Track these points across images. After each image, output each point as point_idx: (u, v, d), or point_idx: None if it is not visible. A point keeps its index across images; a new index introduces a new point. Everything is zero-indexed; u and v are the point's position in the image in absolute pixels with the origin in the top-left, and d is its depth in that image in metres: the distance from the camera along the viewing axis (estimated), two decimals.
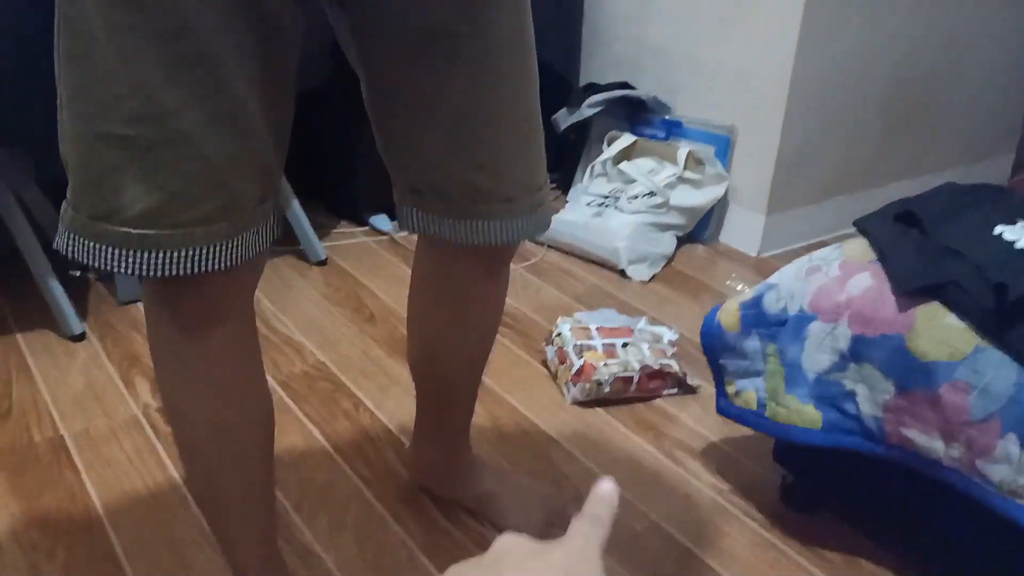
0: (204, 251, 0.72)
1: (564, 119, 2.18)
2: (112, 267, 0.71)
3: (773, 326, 1.13)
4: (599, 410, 1.42)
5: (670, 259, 1.96)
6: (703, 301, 1.79)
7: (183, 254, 0.71)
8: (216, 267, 0.73)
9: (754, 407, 1.15)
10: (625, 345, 1.46)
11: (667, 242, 1.95)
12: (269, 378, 1.47)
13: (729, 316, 1.18)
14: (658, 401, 1.45)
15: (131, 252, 0.71)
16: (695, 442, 1.36)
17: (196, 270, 0.72)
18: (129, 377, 1.47)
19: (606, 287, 1.84)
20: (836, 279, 1.08)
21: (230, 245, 0.74)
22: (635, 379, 1.41)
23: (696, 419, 1.41)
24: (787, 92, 1.88)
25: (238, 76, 0.70)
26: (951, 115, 2.25)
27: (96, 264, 0.72)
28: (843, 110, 2.00)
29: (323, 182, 2.08)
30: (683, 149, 1.99)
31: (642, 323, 1.54)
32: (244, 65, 0.71)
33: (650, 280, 1.87)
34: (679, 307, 1.77)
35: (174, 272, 0.71)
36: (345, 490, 1.22)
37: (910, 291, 1.00)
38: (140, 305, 1.67)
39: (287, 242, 1.89)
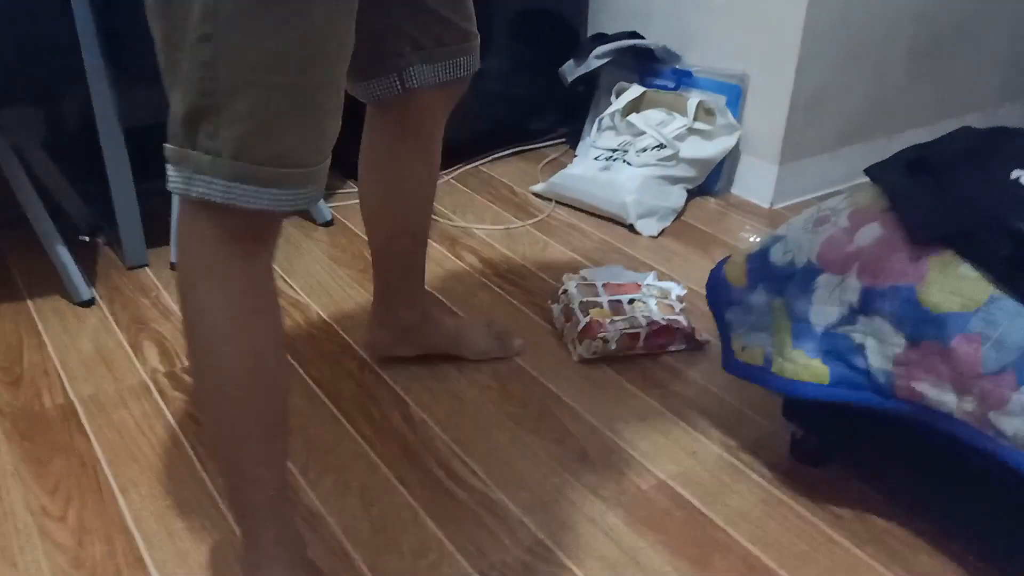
0: (315, 190, 0.82)
1: (571, 71, 2.13)
2: (244, 203, 0.77)
3: (780, 279, 1.10)
4: (605, 367, 1.41)
5: (680, 213, 1.92)
6: (714, 255, 1.76)
7: (302, 192, 0.80)
8: (314, 203, 0.83)
9: (760, 363, 1.12)
10: (632, 301, 1.44)
11: (677, 195, 1.91)
12: None
13: (735, 270, 1.15)
14: (666, 358, 1.43)
15: (267, 191, 0.78)
16: (703, 399, 1.34)
17: (306, 206, 0.81)
18: (137, 342, 1.47)
19: (615, 243, 1.81)
20: (845, 229, 1.04)
21: (322, 185, 0.84)
22: (642, 335, 1.39)
23: (704, 375, 1.39)
24: (801, 35, 1.81)
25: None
26: (977, 57, 2.17)
27: (221, 200, 0.77)
28: (863, 52, 1.93)
29: None
30: (693, 99, 1.94)
31: (650, 279, 1.51)
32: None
33: (660, 235, 1.84)
34: (689, 262, 1.74)
35: (291, 208, 0.80)
36: (350, 452, 1.22)
37: (923, 240, 0.97)
38: (148, 270, 1.68)
39: None
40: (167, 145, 0.81)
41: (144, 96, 1.92)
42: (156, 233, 1.72)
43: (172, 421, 1.28)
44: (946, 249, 0.95)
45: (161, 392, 1.35)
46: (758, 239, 1.81)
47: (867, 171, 1.09)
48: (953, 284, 0.93)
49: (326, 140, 0.82)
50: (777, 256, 1.10)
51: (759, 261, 1.11)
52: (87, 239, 1.76)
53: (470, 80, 1.19)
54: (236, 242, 0.82)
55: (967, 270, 0.93)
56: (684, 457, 1.22)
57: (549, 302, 1.54)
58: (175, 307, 1.56)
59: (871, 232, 1.02)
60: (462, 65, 1.15)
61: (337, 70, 0.80)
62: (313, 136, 0.80)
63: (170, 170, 0.80)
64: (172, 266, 1.68)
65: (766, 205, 1.98)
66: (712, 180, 2.01)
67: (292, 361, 1.42)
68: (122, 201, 1.64)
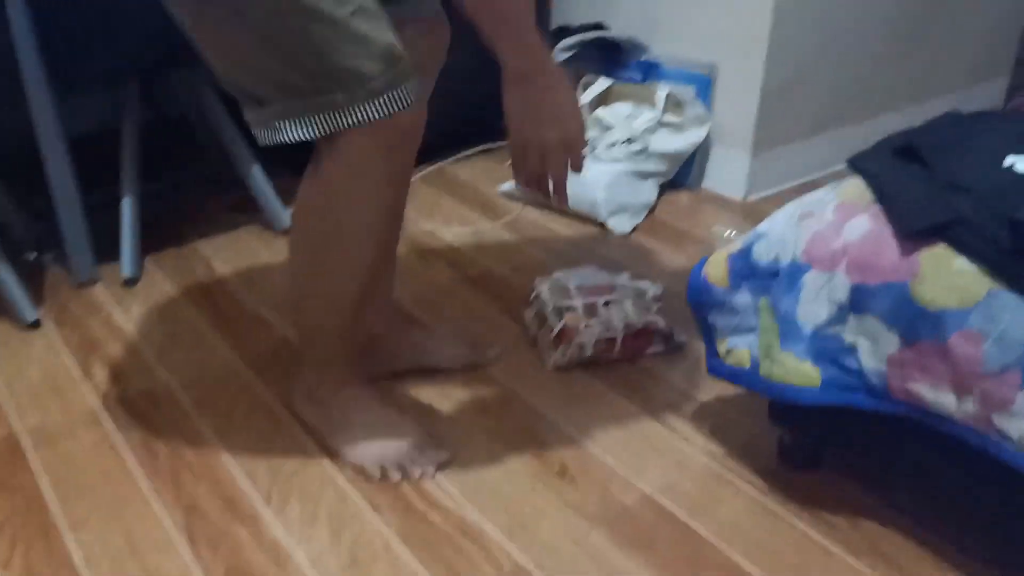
0: (413, 80, 0.94)
1: None
2: (364, 117, 0.91)
3: (764, 278, 1.05)
4: (583, 374, 1.35)
5: (652, 208, 1.86)
6: (689, 252, 1.71)
7: (407, 88, 0.93)
8: (416, 96, 0.95)
9: (747, 366, 1.07)
10: (607, 304, 1.38)
11: (648, 190, 1.86)
12: (236, 357, 1.39)
13: (716, 269, 1.09)
14: (645, 361, 1.38)
15: (378, 100, 0.91)
16: (686, 403, 1.29)
17: (412, 98, 0.94)
18: (88, 365, 1.38)
19: (586, 242, 1.75)
20: (831, 224, 0.99)
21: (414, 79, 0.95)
22: (619, 339, 1.34)
23: (686, 379, 1.34)
24: (770, 21, 1.76)
25: None
26: (950, 38, 2.14)
27: (370, 117, 0.92)
28: (834, 37, 1.89)
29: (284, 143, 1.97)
30: (661, 91, 1.89)
31: (623, 279, 1.46)
32: None
33: (632, 232, 1.78)
34: (664, 259, 1.69)
35: (407, 103, 0.93)
36: (318, 477, 1.15)
37: (913, 233, 0.91)
38: (99, 286, 1.58)
39: (250, 210, 1.79)
40: (262, 110, 0.94)
41: (85, 105, 1.82)
42: (105, 247, 1.62)
43: (125, 452, 1.20)
44: (939, 242, 0.90)
45: (114, 420, 1.26)
46: (733, 233, 1.77)
47: (850, 162, 1.04)
48: (948, 279, 0.88)
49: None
50: (761, 254, 1.04)
51: (742, 260, 1.06)
52: (33, 257, 1.67)
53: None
54: (381, 145, 0.95)
55: (963, 263, 0.88)
56: (669, 467, 1.17)
57: (523, 308, 1.48)
58: (128, 325, 1.47)
59: (859, 226, 0.96)
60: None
61: None
62: (389, 31, 0.93)
63: (292, 125, 0.92)
64: (125, 282, 1.59)
65: (740, 197, 1.93)
66: (684, 173, 1.95)
67: (254, 380, 1.34)
68: (67, 215, 1.55)
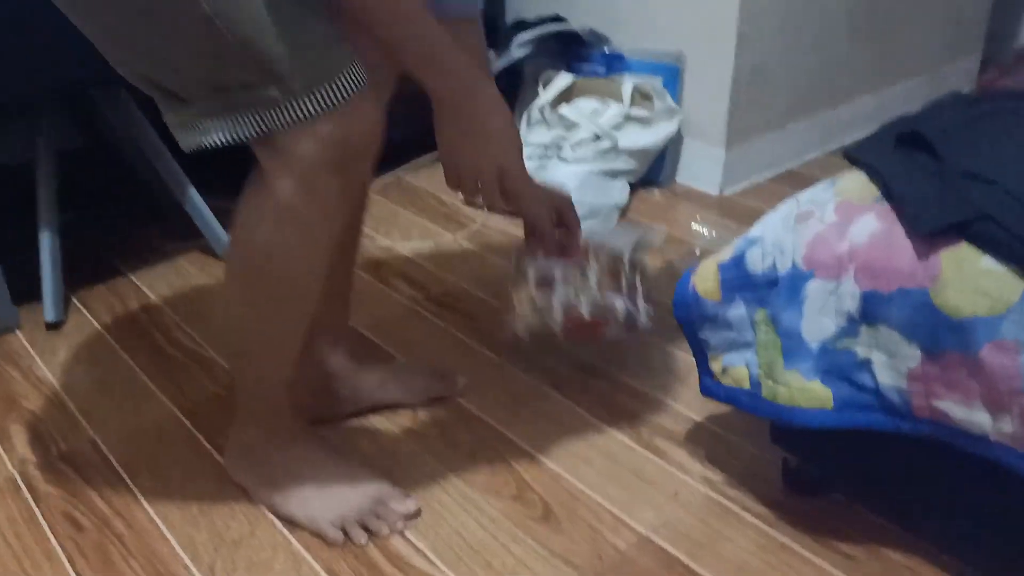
0: (359, 70, 0.83)
1: (492, 64, 1.94)
2: (305, 112, 0.79)
3: (761, 288, 0.93)
4: (561, 397, 1.22)
5: (624, 209, 1.74)
6: (666, 253, 1.59)
7: (356, 72, 0.82)
8: (365, 82, 0.83)
9: (747, 386, 0.95)
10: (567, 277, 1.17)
11: (619, 190, 1.74)
12: (173, 407, 1.25)
13: (706, 282, 0.97)
14: (630, 380, 1.25)
15: (320, 92, 0.79)
16: (677, 425, 1.17)
17: (363, 81, 0.83)
18: (4, 427, 1.22)
19: None
20: (834, 225, 0.88)
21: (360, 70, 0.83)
22: (559, 331, 1.12)
23: (675, 396, 1.22)
24: (738, 5, 1.66)
25: None
26: (919, 17, 2.05)
27: (311, 112, 0.79)
28: (804, 19, 1.79)
29: (222, 163, 1.82)
30: (627, 84, 1.77)
31: (621, 233, 1.25)
32: None
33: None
34: None
35: (358, 87, 0.82)
36: (269, 542, 1.01)
37: (931, 232, 0.80)
38: (18, 334, 1.42)
39: (188, 236, 1.64)
40: (186, 109, 0.81)
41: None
42: (23, 290, 1.46)
43: (45, 525, 1.05)
44: (960, 240, 0.79)
45: (32, 489, 1.11)
46: (713, 233, 1.66)
47: (848, 155, 0.93)
48: (975, 282, 0.77)
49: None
50: (755, 261, 0.93)
51: (734, 269, 0.94)
52: None
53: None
54: (343, 155, 0.83)
55: (990, 264, 0.77)
56: (664, 502, 1.05)
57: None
58: (51, 376, 1.32)
59: (866, 226, 0.85)
60: None
61: None
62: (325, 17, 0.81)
63: (221, 125, 0.80)
64: (48, 326, 1.43)
65: (715, 192, 1.82)
66: (655, 170, 1.84)
67: (194, 431, 1.19)
68: None
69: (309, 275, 0.92)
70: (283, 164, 0.83)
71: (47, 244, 1.45)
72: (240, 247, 0.92)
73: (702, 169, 1.83)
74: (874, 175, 0.88)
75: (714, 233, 1.66)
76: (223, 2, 0.75)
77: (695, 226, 1.70)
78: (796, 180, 1.87)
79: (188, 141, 0.83)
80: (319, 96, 0.80)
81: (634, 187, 1.80)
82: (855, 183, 0.90)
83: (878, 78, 2.04)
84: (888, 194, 0.86)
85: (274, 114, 0.79)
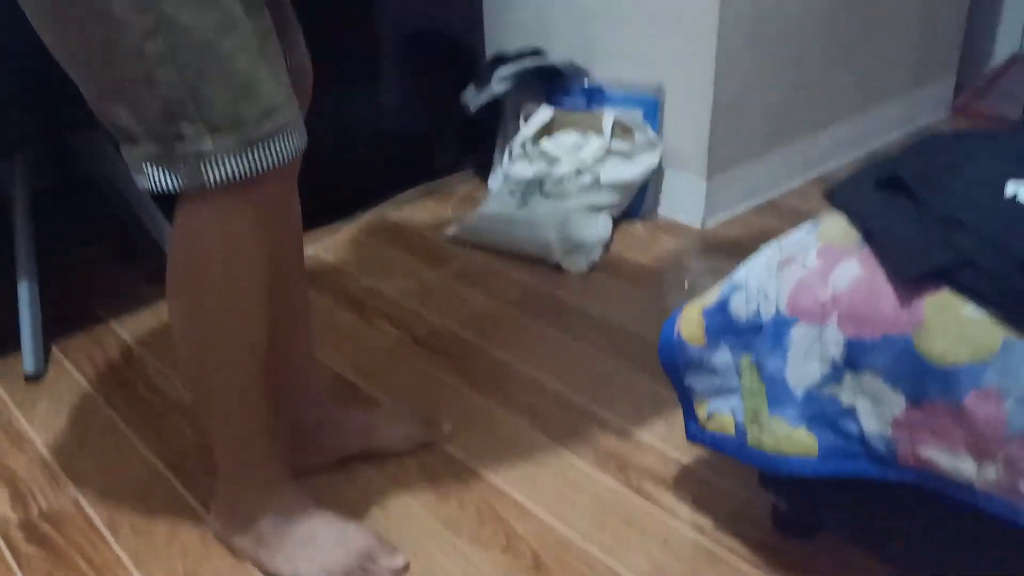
0: (299, 134, 0.85)
1: (473, 99, 1.94)
2: (263, 166, 0.81)
3: (746, 333, 0.93)
4: (548, 440, 1.21)
5: (608, 243, 1.75)
6: (651, 287, 1.59)
7: (296, 138, 0.84)
8: (302, 148, 0.86)
9: (732, 432, 0.95)
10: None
11: (603, 225, 1.74)
12: (157, 460, 1.23)
13: (690, 326, 0.97)
14: (617, 420, 1.25)
15: (274, 145, 0.81)
16: (666, 468, 1.16)
17: (300, 148, 0.85)
18: None
19: (542, 285, 1.62)
20: (816, 271, 0.88)
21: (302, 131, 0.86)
22: None
23: (663, 438, 1.21)
24: (716, 36, 1.67)
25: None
26: (890, 42, 2.07)
27: (242, 171, 0.80)
28: (780, 48, 1.80)
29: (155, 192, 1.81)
30: (608, 117, 1.78)
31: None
32: None
33: (589, 270, 1.66)
34: (626, 298, 1.57)
35: (295, 153, 0.84)
36: None
37: (912, 278, 0.80)
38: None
39: None
40: (134, 149, 0.81)
41: None
42: (4, 338, 1.45)
43: None
44: (942, 287, 0.79)
45: (12, 549, 1.09)
46: (689, 278, 1.65)
47: (829, 198, 0.93)
48: (957, 329, 0.77)
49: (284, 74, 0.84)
50: (739, 307, 0.93)
51: (718, 315, 0.94)
52: None
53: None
54: (256, 210, 0.85)
55: (972, 311, 0.77)
56: (654, 547, 1.04)
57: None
58: (31, 431, 1.30)
59: (848, 272, 0.85)
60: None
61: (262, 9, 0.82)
62: (279, 73, 0.82)
63: (158, 172, 0.80)
64: (28, 378, 1.41)
65: (698, 224, 1.82)
66: (637, 202, 1.84)
67: (178, 487, 1.17)
68: None
69: (247, 298, 0.89)
70: (199, 204, 0.84)
71: (26, 294, 1.43)
72: (173, 277, 0.91)
73: (684, 200, 1.84)
74: (854, 218, 0.88)
75: (694, 280, 1.64)
76: (170, 47, 0.75)
77: (674, 276, 1.69)
78: (777, 211, 1.88)
79: (138, 182, 0.82)
80: (254, 157, 0.80)
81: (616, 220, 1.80)
82: (836, 227, 0.91)
83: (854, 104, 2.06)
84: (869, 238, 0.86)
85: (205, 168, 0.79)
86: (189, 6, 0.74)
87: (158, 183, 0.81)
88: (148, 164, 0.80)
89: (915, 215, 0.84)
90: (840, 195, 0.92)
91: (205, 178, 0.80)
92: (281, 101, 0.82)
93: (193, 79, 0.76)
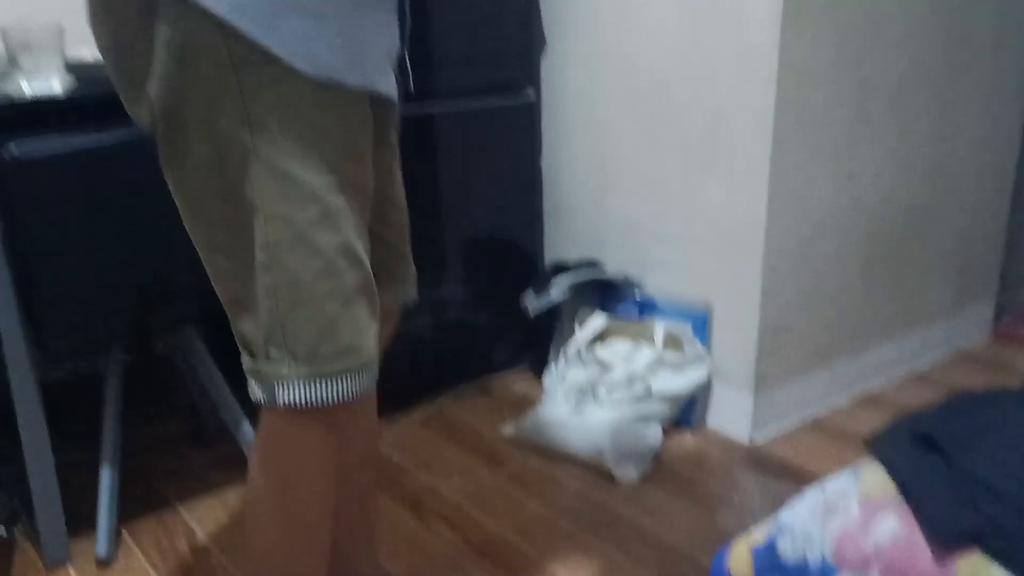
0: (370, 375, 0.94)
1: (532, 303, 2.08)
2: (331, 397, 0.90)
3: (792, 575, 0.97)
4: None
5: (658, 453, 1.80)
6: (700, 500, 1.63)
7: (365, 378, 0.92)
8: (371, 388, 0.94)
9: None
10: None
11: (653, 434, 1.80)
12: None
13: (740, 565, 1.02)
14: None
15: (344, 381, 0.90)
16: None
17: (368, 387, 0.94)
18: None
19: (595, 494, 1.67)
20: (858, 522, 0.93)
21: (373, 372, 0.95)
22: None
23: None
24: (761, 259, 1.79)
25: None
26: (931, 262, 2.18)
27: (311, 399, 0.89)
28: (823, 270, 1.92)
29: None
30: (659, 328, 1.89)
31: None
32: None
33: (640, 479, 1.71)
34: (675, 512, 1.60)
35: (360, 392, 0.92)
36: None
37: (944, 538, 0.85)
38: (69, 568, 1.47)
39: (234, 465, 1.71)
40: (244, 358, 0.92)
41: (59, 347, 1.75)
42: (79, 518, 1.53)
43: None
44: (975, 548, 0.84)
45: None
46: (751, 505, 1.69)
47: (870, 448, 1.00)
48: None
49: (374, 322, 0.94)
50: (786, 550, 0.98)
51: (767, 557, 0.99)
52: (4, 533, 1.57)
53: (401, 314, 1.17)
54: (324, 432, 0.94)
55: (1000, 573, 0.81)
56: None
57: None
58: None
59: (887, 526, 0.90)
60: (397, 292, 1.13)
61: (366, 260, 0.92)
62: (364, 317, 0.91)
63: (252, 382, 0.92)
64: (99, 562, 1.49)
65: (745, 438, 1.88)
66: (686, 411, 1.91)
67: None
68: (41, 487, 1.43)
69: (307, 509, 0.97)
70: (274, 424, 0.94)
71: (107, 482, 1.52)
72: (250, 477, 1.00)
73: (731, 413, 1.90)
74: (894, 475, 0.95)
75: (764, 532, 1.69)
76: (275, 281, 0.87)
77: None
78: (823, 430, 1.92)
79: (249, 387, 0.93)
80: (321, 388, 0.89)
81: (666, 429, 1.87)
82: (876, 479, 0.97)
83: (897, 325, 2.14)
84: (906, 494, 0.92)
85: (280, 389, 0.89)
86: (296, 252, 0.86)
87: (252, 391, 0.93)
88: (248, 374, 0.93)
89: (948, 475, 0.90)
90: (879, 448, 0.99)
91: (279, 398, 0.90)
92: (359, 343, 0.91)
93: (285, 312, 0.88)
